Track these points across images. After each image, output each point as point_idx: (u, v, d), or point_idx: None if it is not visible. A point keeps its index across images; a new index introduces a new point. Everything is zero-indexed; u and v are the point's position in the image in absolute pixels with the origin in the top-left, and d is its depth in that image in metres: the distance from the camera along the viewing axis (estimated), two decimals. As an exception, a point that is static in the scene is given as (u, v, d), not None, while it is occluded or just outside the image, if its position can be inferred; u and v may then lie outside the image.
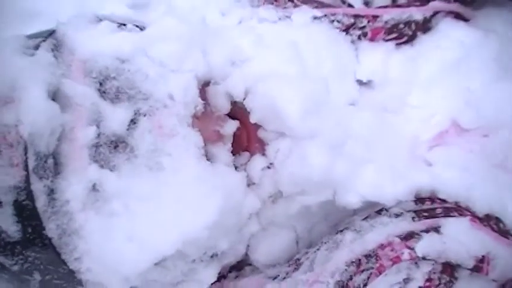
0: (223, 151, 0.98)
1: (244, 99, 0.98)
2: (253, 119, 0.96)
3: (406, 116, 1.07)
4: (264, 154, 1.01)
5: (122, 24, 1.02)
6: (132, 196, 0.86)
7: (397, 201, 0.98)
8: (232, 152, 1.00)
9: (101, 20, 1.02)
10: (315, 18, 1.06)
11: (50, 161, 0.88)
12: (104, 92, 0.94)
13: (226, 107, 0.99)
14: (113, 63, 0.96)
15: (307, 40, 1.05)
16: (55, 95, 0.91)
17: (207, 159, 0.94)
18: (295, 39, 1.03)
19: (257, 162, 1.01)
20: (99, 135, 0.91)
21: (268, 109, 0.94)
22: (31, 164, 0.82)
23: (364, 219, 0.99)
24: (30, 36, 0.96)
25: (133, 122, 0.91)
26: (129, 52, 0.97)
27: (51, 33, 0.98)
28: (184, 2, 1.12)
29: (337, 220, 1.05)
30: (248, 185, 0.98)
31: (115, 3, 1.13)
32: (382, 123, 1.04)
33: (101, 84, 0.95)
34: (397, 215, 0.96)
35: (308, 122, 0.95)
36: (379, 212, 0.98)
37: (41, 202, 0.82)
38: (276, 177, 0.99)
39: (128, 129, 0.90)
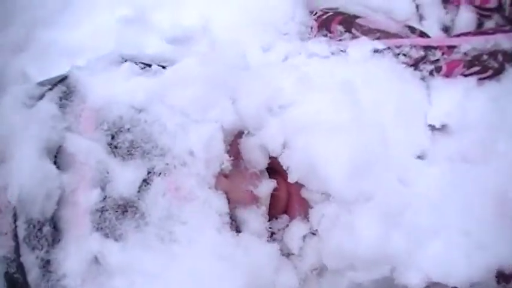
0: (256, 216, 0.85)
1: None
2: (291, 179, 0.83)
3: (492, 167, 0.89)
4: (307, 218, 0.88)
5: (147, 65, 0.90)
6: (139, 272, 0.76)
7: (472, 282, 0.80)
8: (269, 214, 0.91)
9: (125, 60, 0.88)
10: (376, 51, 0.94)
11: (46, 228, 0.80)
12: (116, 147, 0.84)
13: (262, 163, 0.87)
14: (128, 113, 0.86)
15: (365, 79, 0.92)
16: (57, 153, 0.82)
17: (237, 226, 0.86)
18: (350, 78, 0.90)
19: (297, 228, 0.88)
20: (104, 198, 0.81)
21: (307, 167, 0.82)
22: (21, 232, 0.76)
23: None
24: (41, 84, 0.84)
25: (145, 182, 0.82)
26: (145, 99, 0.86)
27: (62, 79, 0.86)
28: (226, 35, 0.94)
29: None
30: (287, 255, 0.86)
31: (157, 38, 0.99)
32: (459, 178, 0.88)
33: (112, 137, 0.84)
34: None
35: (358, 183, 0.82)
36: None
37: (32, 275, 0.75)
38: (320, 247, 0.85)
39: (139, 192, 0.80)
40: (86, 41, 1.14)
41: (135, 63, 0.91)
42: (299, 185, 0.85)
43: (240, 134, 0.85)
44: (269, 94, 0.86)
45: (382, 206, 0.81)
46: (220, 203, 0.80)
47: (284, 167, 0.83)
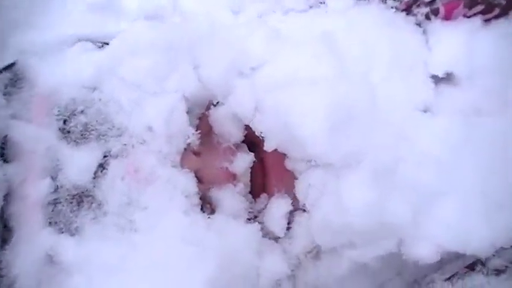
0: (232, 195, 0.79)
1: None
2: (268, 147, 0.74)
3: (509, 118, 0.77)
4: (293, 194, 0.79)
5: (105, 44, 0.82)
6: (98, 267, 0.70)
7: (497, 248, 0.70)
8: (252, 193, 0.83)
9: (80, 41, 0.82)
10: (359, -1, 0.80)
11: (-6, 227, 0.71)
12: (68, 132, 0.76)
13: (236, 135, 0.80)
14: (81, 93, 0.77)
15: (349, 29, 0.80)
16: (2, 143, 0.75)
17: (213, 208, 0.79)
18: (330, 30, 0.78)
19: (277, 207, 0.79)
20: (56, 189, 0.73)
21: (284, 130, 0.72)
22: None
23: (448, 279, 0.75)
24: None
25: (101, 167, 0.75)
26: (95, 76, 0.78)
27: (8, 66, 0.79)
28: (197, 7, 0.85)
29: (415, 276, 0.81)
30: (275, 238, 0.79)
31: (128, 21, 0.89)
32: (471, 132, 0.75)
33: (65, 122, 0.76)
34: (498, 272, 0.72)
35: (344, 143, 0.71)
36: (471, 267, 0.74)
37: None
38: (310, 225, 0.75)
39: (94, 178, 0.73)
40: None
41: (92, 42, 0.83)
42: (282, 156, 0.77)
43: (209, 106, 0.80)
44: (236, 56, 0.76)
45: (374, 166, 0.70)
46: (187, 182, 0.75)
47: (258, 134, 0.74)
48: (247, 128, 0.77)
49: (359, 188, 0.70)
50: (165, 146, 0.74)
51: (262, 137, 0.74)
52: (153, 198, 0.72)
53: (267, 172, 0.81)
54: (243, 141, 0.81)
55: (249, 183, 0.81)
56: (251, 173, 0.81)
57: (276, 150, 0.74)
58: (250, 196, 0.81)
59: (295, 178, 0.77)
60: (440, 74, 0.80)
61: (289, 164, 0.78)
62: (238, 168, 0.79)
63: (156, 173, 0.73)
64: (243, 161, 0.80)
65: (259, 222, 0.78)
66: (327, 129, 0.70)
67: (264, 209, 0.80)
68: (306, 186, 0.75)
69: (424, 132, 0.75)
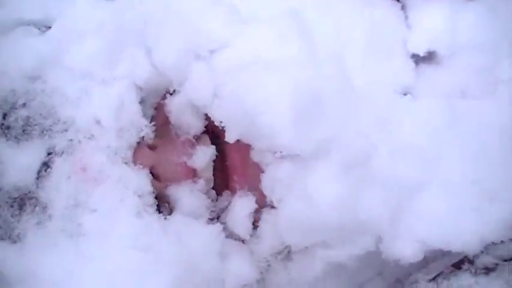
0: (192, 193, 0.72)
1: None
2: (229, 137, 0.68)
3: (496, 99, 0.74)
4: (259, 190, 0.72)
5: (49, 28, 0.75)
6: (43, 279, 0.64)
7: (486, 244, 0.67)
8: (216, 190, 0.76)
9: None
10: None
11: None
12: (8, 128, 0.69)
13: (196, 126, 0.73)
14: (22, 84, 0.70)
15: (319, 5, 0.76)
16: None
17: (171, 208, 0.73)
18: (298, 6, 0.72)
19: (242, 205, 0.73)
20: None
21: (245, 118, 0.66)
22: None
23: (433, 279, 0.72)
24: None
25: (46, 166, 0.68)
26: (38, 64, 0.70)
27: None
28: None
29: (397, 275, 0.76)
30: (242, 241, 0.73)
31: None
32: (456, 116, 0.72)
33: (4, 116, 0.70)
34: (488, 270, 0.69)
35: (312, 131, 0.66)
36: (457, 266, 0.71)
37: None
38: (279, 223, 0.69)
39: (37, 178, 0.68)
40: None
41: (35, 27, 0.75)
42: (247, 147, 0.71)
43: (165, 94, 0.73)
44: (193, 38, 0.69)
45: (346, 156, 0.66)
46: (140, 180, 0.69)
47: (218, 123, 0.68)
48: (208, 117, 0.71)
49: (329, 181, 0.65)
50: (116, 140, 0.68)
51: (223, 127, 0.67)
52: (102, 199, 0.67)
53: (230, 166, 0.74)
54: (204, 133, 0.74)
55: (211, 179, 0.74)
56: (213, 167, 0.74)
57: (239, 141, 0.68)
58: (213, 193, 0.75)
59: (262, 172, 0.71)
60: (421, 53, 0.76)
61: (254, 156, 0.71)
62: (199, 162, 0.73)
63: (106, 171, 0.67)
64: (204, 154, 0.73)
65: (221, 223, 0.73)
66: (294, 116, 0.64)
67: (227, 207, 0.74)
68: (273, 180, 0.69)
69: (403, 117, 0.72)
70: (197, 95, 0.68)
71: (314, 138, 0.65)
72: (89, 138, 0.68)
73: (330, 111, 0.66)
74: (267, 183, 0.70)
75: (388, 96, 0.73)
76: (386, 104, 0.73)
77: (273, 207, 0.70)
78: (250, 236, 0.72)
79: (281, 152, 0.66)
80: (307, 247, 0.69)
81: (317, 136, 0.65)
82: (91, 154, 0.68)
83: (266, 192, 0.70)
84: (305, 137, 0.65)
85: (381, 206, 0.66)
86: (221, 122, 0.67)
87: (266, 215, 0.72)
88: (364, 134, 0.67)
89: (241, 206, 0.72)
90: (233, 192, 0.73)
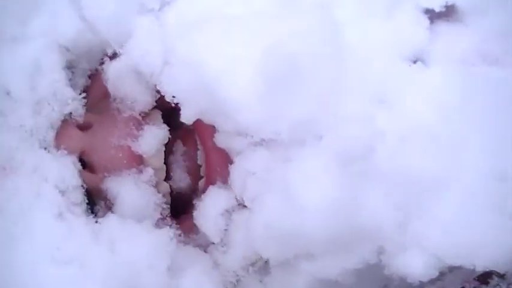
0: (137, 186, 0.61)
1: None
2: (184, 117, 0.59)
3: None
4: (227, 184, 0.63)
5: None
6: None
7: None
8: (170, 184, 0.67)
9: None
10: None
11: None
12: None
13: (144, 100, 0.63)
14: None
15: None
16: None
17: (105, 208, 0.63)
18: None
19: (213, 201, 0.62)
20: None
21: (203, 90, 0.56)
22: None
23: None
24: None
25: None
26: None
27: None
28: None
29: None
30: (203, 246, 0.64)
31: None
32: (475, 88, 0.61)
33: None
34: None
35: (290, 108, 0.56)
36: (483, 280, 0.64)
37: None
38: (251, 228, 0.59)
39: None
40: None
41: None
42: (211, 128, 0.62)
43: (103, 59, 0.64)
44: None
45: (339, 144, 0.55)
46: (63, 171, 0.59)
47: (168, 98, 0.58)
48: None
49: (318, 175, 0.55)
50: (31, 117, 0.59)
51: (176, 103, 0.59)
52: (12, 195, 0.57)
53: (201, 153, 0.65)
54: (155, 108, 0.65)
55: (163, 168, 0.65)
56: (166, 153, 0.66)
57: (199, 120, 0.59)
58: (165, 186, 0.65)
59: (230, 162, 0.62)
60: (437, 8, 0.67)
61: (220, 141, 0.62)
62: (147, 146, 0.63)
63: (17, 158, 0.58)
64: (153, 136, 0.63)
65: (178, 223, 0.64)
66: (265, 87, 0.55)
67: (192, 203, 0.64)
68: (244, 173, 0.60)
69: (412, 91, 0.61)
70: (143, 59, 0.59)
71: (292, 118, 0.55)
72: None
73: (313, 81, 0.56)
74: (236, 176, 0.60)
75: (392, 63, 0.63)
76: (390, 73, 0.62)
77: (244, 206, 0.61)
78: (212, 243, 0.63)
79: (252, 136, 0.58)
80: (288, 259, 0.59)
81: (296, 114, 0.55)
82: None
83: (235, 188, 0.60)
84: (280, 115, 0.55)
85: (384, 207, 0.56)
86: (173, 96, 0.58)
87: (236, 216, 0.62)
88: (362, 114, 0.57)
89: (214, 202, 0.62)
90: (210, 181, 0.64)
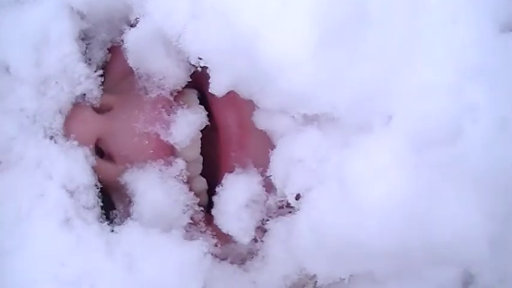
0: (166, 184, 0.51)
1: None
2: (215, 87, 0.48)
3: None
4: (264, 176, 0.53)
5: None
6: None
7: None
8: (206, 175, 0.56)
9: None
10: None
11: None
12: None
13: (175, 75, 0.52)
14: None
15: None
16: None
17: (123, 213, 0.53)
18: None
19: (237, 188, 0.51)
20: None
21: (240, 54, 0.46)
22: None
23: None
24: None
25: None
26: None
27: None
28: None
29: None
30: (240, 261, 0.54)
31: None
32: None
33: None
34: None
35: (351, 74, 0.45)
36: None
37: None
38: (299, 237, 0.49)
39: None
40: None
41: None
42: (248, 107, 0.52)
43: (122, 29, 0.53)
44: None
45: (415, 128, 0.45)
46: (72, 167, 0.50)
47: (194, 61, 0.48)
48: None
49: (387, 168, 0.44)
50: (34, 99, 0.49)
51: (204, 69, 0.48)
52: (8, 196, 0.48)
53: (223, 136, 0.55)
54: (188, 86, 0.55)
55: (200, 161, 0.55)
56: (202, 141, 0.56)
57: (234, 95, 0.50)
58: (201, 181, 0.55)
59: (271, 148, 0.51)
60: None
61: (259, 120, 0.52)
62: (179, 135, 0.53)
63: (17, 150, 0.49)
64: (188, 123, 0.53)
65: (212, 232, 0.53)
66: (320, 42, 0.44)
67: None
68: (288, 161, 0.50)
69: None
70: (167, 19, 0.48)
71: (354, 85, 0.45)
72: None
73: (384, 35, 0.45)
74: (278, 166, 0.50)
75: (485, 28, 0.50)
76: (481, 40, 0.49)
77: (288, 207, 0.50)
78: (252, 256, 0.53)
79: (301, 112, 0.48)
80: (342, 279, 0.50)
81: (359, 81, 0.45)
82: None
83: (276, 181, 0.50)
84: (338, 80, 0.45)
85: (473, 216, 0.45)
86: (200, 58, 0.48)
87: (275, 224, 0.51)
88: (444, 82, 0.45)
89: (236, 190, 0.51)
90: (225, 173, 0.54)
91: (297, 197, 0.48)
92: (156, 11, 0.49)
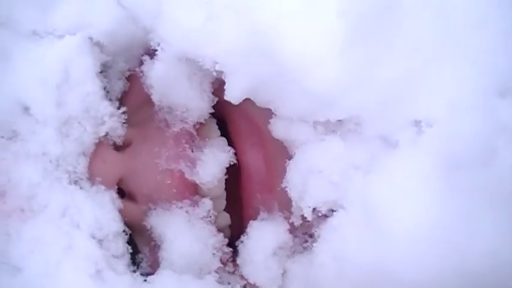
0: (194, 226, 0.48)
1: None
2: (230, 93, 0.44)
3: None
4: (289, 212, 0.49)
5: None
6: None
7: None
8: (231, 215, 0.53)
9: None
10: None
11: None
12: None
13: (199, 106, 0.49)
14: None
15: None
16: None
17: (151, 258, 0.50)
18: None
19: (261, 234, 0.49)
20: None
21: (251, 53, 0.42)
22: None
23: None
24: None
25: None
26: None
27: None
28: None
29: None
30: None
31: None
32: None
33: None
34: None
35: (383, 74, 0.42)
36: None
37: None
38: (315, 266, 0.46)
39: None
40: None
41: None
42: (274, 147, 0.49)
43: (142, 57, 0.50)
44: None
45: (444, 142, 0.41)
46: (100, 214, 0.45)
47: (209, 65, 0.44)
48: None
49: (413, 189, 0.41)
50: (56, 142, 0.45)
51: (219, 74, 0.45)
52: (34, 248, 0.44)
53: (246, 173, 0.52)
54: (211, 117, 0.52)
55: (223, 196, 0.52)
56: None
57: (258, 128, 0.49)
58: (224, 217, 0.52)
59: (288, 158, 0.48)
60: None
61: (276, 129, 0.47)
62: (206, 175, 0.50)
63: (40, 198, 0.45)
64: (216, 161, 0.50)
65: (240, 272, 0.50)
66: (347, 38, 0.41)
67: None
68: (306, 172, 0.45)
69: None
70: (185, 39, 0.44)
71: (384, 91, 0.41)
72: (10, 138, 0.45)
73: (413, 36, 0.41)
74: (295, 176, 0.46)
75: None
76: None
77: (305, 236, 0.48)
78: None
79: (322, 118, 0.44)
80: None
81: (390, 86, 0.41)
82: (13, 166, 0.45)
83: (292, 193, 0.46)
84: (365, 81, 0.41)
85: None
86: (216, 62, 0.44)
87: (295, 261, 0.48)
88: (478, 99, 0.42)
89: (263, 239, 0.48)
90: (249, 214, 0.51)
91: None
92: (173, 35, 0.46)
